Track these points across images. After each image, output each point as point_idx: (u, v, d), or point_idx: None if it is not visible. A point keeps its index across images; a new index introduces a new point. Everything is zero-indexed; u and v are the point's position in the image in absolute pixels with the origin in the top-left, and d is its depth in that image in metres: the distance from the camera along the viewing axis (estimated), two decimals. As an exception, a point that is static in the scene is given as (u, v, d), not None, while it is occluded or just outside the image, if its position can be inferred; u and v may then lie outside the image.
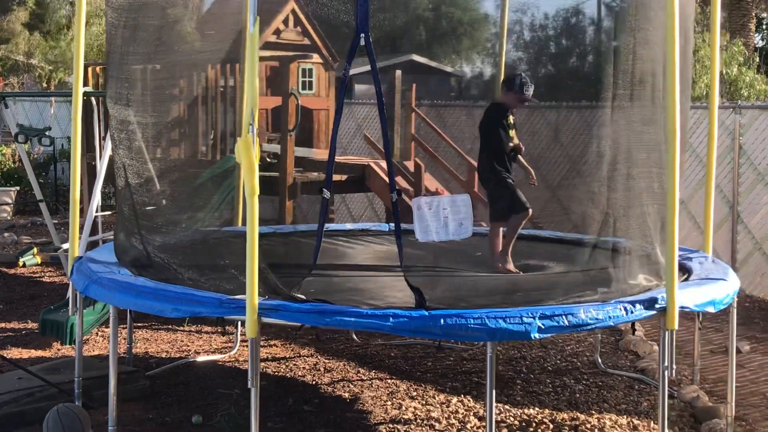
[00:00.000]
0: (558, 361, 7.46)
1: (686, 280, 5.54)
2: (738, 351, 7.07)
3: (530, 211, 6.43)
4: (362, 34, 4.60)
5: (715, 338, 8.16)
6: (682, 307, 4.86)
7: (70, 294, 7.10)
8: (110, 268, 5.55)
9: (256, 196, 4.51)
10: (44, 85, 29.87)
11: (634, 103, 5.26)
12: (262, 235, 4.58)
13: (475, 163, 10.21)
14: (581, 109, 11.46)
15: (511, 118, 6.60)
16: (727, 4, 19.47)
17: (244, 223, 6.31)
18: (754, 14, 24.49)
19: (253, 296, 4.41)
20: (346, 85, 4.86)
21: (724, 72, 15.96)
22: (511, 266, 6.25)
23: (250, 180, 4.46)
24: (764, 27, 32.15)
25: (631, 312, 4.72)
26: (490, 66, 27.47)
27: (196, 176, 7.88)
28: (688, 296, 4.98)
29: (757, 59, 23.72)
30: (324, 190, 4.90)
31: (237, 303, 4.60)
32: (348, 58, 4.71)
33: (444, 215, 5.31)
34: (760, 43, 30.85)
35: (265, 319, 4.56)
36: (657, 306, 4.79)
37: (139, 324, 8.11)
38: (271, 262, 4.96)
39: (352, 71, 5.03)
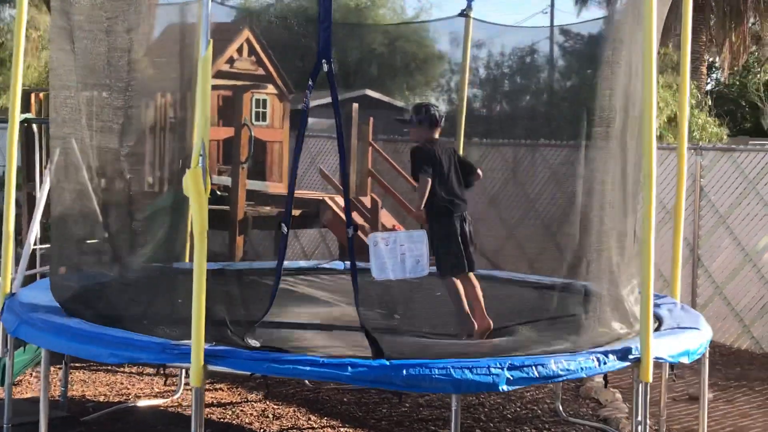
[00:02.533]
0: (518, 409, 7.15)
1: (658, 329, 5.29)
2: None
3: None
4: (324, 60, 4.31)
5: (676, 386, 7.92)
6: (656, 358, 4.62)
7: (0, 334, 6.64)
8: (44, 308, 5.16)
9: (204, 233, 4.18)
10: (-11, 111, 29.15)
11: (598, 143, 5.05)
12: (210, 273, 4.24)
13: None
14: (539, 148, 11.29)
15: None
16: (679, 47, 19.61)
17: (191, 259, 5.97)
18: (705, 58, 24.86)
19: (199, 342, 4.06)
20: (307, 115, 4.55)
21: (675, 114, 16.01)
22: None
23: (198, 215, 4.13)
24: (714, 70, 32.67)
25: (604, 363, 4.48)
26: (445, 102, 27.42)
27: (142, 208, 7.49)
28: (662, 347, 4.76)
29: (710, 102, 24.04)
30: (282, 224, 4.57)
31: (181, 349, 4.24)
32: (309, 86, 4.41)
33: (401, 252, 5.00)
34: (708, 87, 31.32)
35: (212, 368, 4.20)
36: (631, 357, 4.55)
37: (77, 364, 7.64)
38: (220, 304, 4.63)
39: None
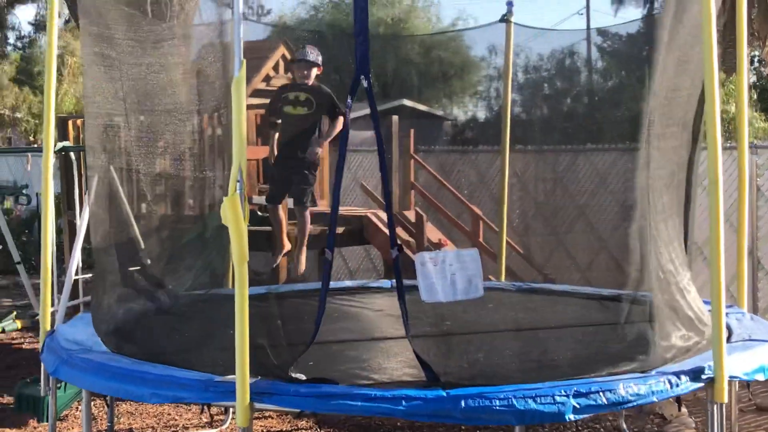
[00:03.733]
0: (579, 427, 6.84)
1: (728, 339, 4.98)
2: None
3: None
4: (362, 76, 4.09)
5: (742, 394, 7.55)
6: (731, 377, 4.32)
7: (42, 372, 6.49)
8: (85, 344, 4.98)
9: (245, 263, 3.96)
10: (31, 138, 29.39)
11: (658, 145, 4.78)
12: (253, 297, 4.02)
13: (478, 211, 9.76)
14: (588, 153, 10.97)
15: (293, 94, 6.61)
16: (721, 42, 19.14)
17: (233, 284, 5.77)
18: (748, 52, 24.32)
19: (243, 380, 3.84)
20: (348, 132, 4.33)
21: (722, 110, 15.55)
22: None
23: (238, 245, 3.92)
24: (756, 64, 32.01)
25: (677, 385, 4.17)
26: (485, 109, 27.12)
27: (183, 235, 7.32)
28: (735, 363, 4.43)
29: (754, 96, 23.47)
30: (326, 251, 4.34)
31: (225, 387, 4.03)
32: (348, 103, 4.20)
33: (451, 272, 4.72)
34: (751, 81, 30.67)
35: (258, 405, 3.98)
36: (704, 377, 4.24)
37: (123, 395, 7.49)
38: (264, 333, 4.40)
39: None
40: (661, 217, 4.85)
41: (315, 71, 6.86)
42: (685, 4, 4.70)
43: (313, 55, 6.89)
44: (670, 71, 4.94)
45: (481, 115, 27.10)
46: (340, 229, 9.46)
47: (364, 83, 4.10)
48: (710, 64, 4.24)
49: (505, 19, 7.73)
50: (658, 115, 4.88)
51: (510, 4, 7.71)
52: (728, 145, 9.46)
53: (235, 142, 3.98)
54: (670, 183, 4.97)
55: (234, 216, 3.89)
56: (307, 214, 7.08)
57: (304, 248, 7.23)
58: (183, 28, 8.39)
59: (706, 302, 5.50)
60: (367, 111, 4.47)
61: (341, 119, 6.37)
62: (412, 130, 10.19)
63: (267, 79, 10.67)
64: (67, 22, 21.81)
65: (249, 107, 7.93)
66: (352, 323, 6.23)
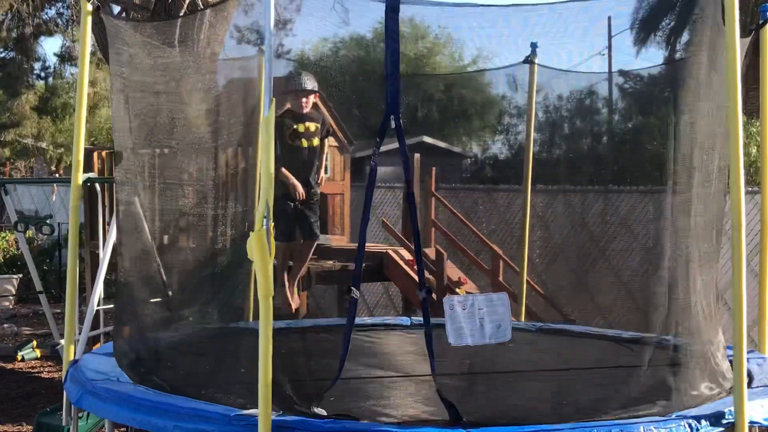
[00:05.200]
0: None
1: (749, 385, 4.95)
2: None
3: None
4: (392, 117, 4.14)
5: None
6: (751, 423, 4.30)
7: (64, 401, 6.53)
8: (108, 374, 5.02)
9: (270, 298, 4.00)
10: (53, 168, 29.67)
11: (698, 192, 4.79)
12: (275, 332, 4.04)
13: (499, 250, 9.77)
14: (609, 193, 10.97)
15: (303, 126, 6.19)
16: (743, 85, 19.15)
17: (255, 317, 5.80)
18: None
19: (266, 414, 3.86)
20: (376, 172, 4.38)
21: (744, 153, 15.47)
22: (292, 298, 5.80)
23: (264, 280, 3.95)
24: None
25: (696, 429, 4.17)
26: (505, 146, 27.13)
27: (206, 268, 7.37)
28: (756, 409, 4.42)
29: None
30: (353, 289, 4.37)
31: (248, 420, 4.05)
32: (377, 142, 4.24)
33: (480, 316, 4.73)
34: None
35: (281, 440, 4.00)
36: (724, 421, 4.23)
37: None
38: (286, 367, 4.43)
39: (366, 153, 4.60)
40: (698, 265, 4.86)
41: (312, 98, 6.83)
42: (717, 52, 4.73)
43: (312, 82, 6.86)
44: (707, 118, 4.97)
45: (503, 153, 27.13)
46: (360, 266, 9.50)
47: (393, 124, 4.16)
48: (734, 106, 4.27)
49: (529, 60, 7.79)
50: (699, 162, 4.90)
51: (534, 45, 7.77)
52: (749, 189, 9.46)
53: (262, 179, 4.04)
54: (711, 232, 4.98)
55: (260, 251, 3.93)
56: (312, 247, 7.00)
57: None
58: (208, 62, 8.49)
59: (728, 348, 5.51)
60: (387, 147, 4.52)
61: (326, 142, 6.29)
62: (433, 169, 10.26)
63: (290, 114, 10.76)
64: (92, 53, 22.09)
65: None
66: (372, 360, 6.23)
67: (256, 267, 3.96)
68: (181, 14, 9.31)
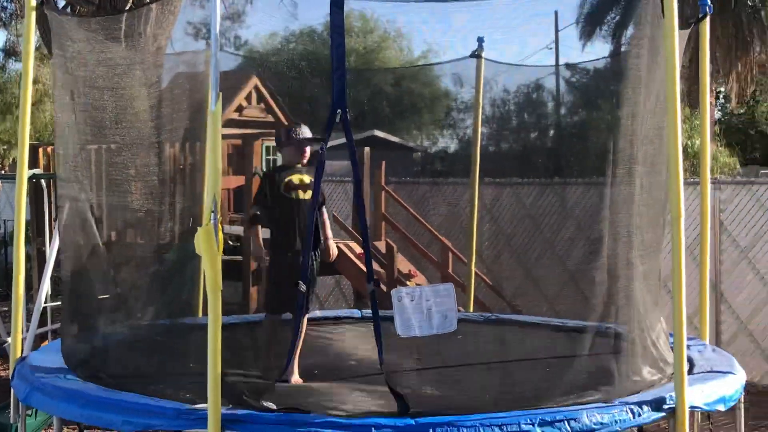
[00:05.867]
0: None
1: (690, 372, 5.08)
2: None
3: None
4: (339, 110, 4.18)
5: (704, 426, 7.65)
6: (692, 407, 4.42)
7: (12, 399, 6.48)
8: (56, 371, 5.00)
9: (218, 292, 4.01)
10: (-1, 164, 29.18)
11: (642, 182, 4.89)
12: (224, 327, 4.05)
13: (448, 242, 9.85)
14: (555, 186, 11.12)
15: (298, 177, 5.81)
16: (687, 77, 19.53)
17: (205, 313, 5.75)
18: (713, 88, 24.75)
19: (215, 408, 3.88)
20: (324, 167, 4.41)
21: (687, 144, 15.73)
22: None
23: (212, 274, 3.97)
24: (721, 100, 32.56)
25: (639, 415, 4.28)
26: (453, 140, 27.32)
27: (153, 263, 7.34)
28: (697, 394, 4.55)
29: (718, 131, 23.87)
30: (300, 282, 4.37)
31: (197, 414, 4.06)
32: (325, 136, 4.27)
33: (427, 307, 4.79)
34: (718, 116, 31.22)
35: (230, 433, 4.02)
36: (665, 407, 4.35)
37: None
38: (235, 362, 4.45)
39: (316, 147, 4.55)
40: (639, 254, 4.95)
41: (309, 149, 6.03)
42: (657, 45, 4.82)
43: (309, 132, 6.07)
44: (651, 110, 5.06)
45: (451, 147, 27.31)
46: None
47: (340, 117, 4.19)
48: (673, 98, 4.36)
49: (476, 54, 7.86)
50: (642, 153, 4.99)
51: (481, 39, 7.85)
52: (691, 180, 9.67)
53: (209, 173, 4.05)
54: (656, 221, 5.07)
55: (208, 246, 3.95)
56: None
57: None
58: (155, 57, 8.44)
59: (670, 335, 5.64)
60: (337, 141, 4.55)
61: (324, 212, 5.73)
62: (383, 162, 10.30)
63: (240, 109, 10.75)
64: (36, 48, 21.74)
65: (222, 137, 7.98)
66: (323, 353, 6.27)
67: (204, 262, 3.97)
68: (127, 8, 9.23)
